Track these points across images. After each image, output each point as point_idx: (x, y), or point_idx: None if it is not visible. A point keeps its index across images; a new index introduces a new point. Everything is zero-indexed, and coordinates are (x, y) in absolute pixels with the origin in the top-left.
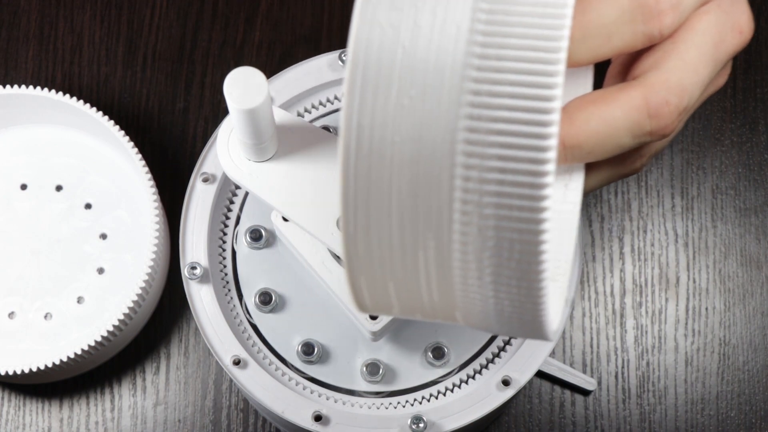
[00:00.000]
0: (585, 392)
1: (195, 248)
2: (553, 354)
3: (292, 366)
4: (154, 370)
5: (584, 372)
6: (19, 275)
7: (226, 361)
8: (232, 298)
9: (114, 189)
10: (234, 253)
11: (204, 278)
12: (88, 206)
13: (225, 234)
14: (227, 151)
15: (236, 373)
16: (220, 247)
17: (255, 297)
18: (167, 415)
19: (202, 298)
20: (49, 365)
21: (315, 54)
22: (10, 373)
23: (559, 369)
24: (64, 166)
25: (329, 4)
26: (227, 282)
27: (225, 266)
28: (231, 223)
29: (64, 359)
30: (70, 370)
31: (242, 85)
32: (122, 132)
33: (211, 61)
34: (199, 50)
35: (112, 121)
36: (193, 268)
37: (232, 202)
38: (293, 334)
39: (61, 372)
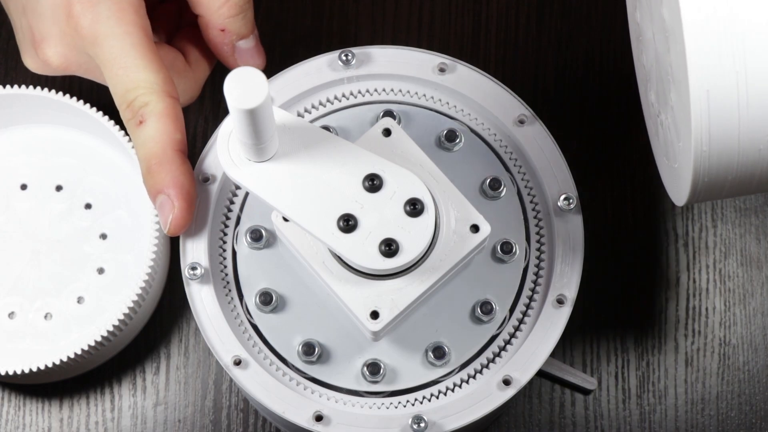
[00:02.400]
0: (585, 392)
1: (195, 248)
2: (553, 354)
3: (293, 366)
4: (154, 370)
5: (584, 372)
6: (19, 275)
7: (227, 361)
8: (232, 298)
9: (114, 189)
10: (234, 253)
11: (204, 278)
12: (88, 206)
13: (225, 234)
14: (227, 152)
15: (237, 373)
16: (221, 247)
17: (255, 297)
18: (167, 415)
19: (202, 299)
20: (49, 365)
21: (315, 54)
22: (10, 373)
23: (559, 368)
24: (64, 166)
25: (329, 4)
26: (228, 282)
27: (225, 266)
28: (231, 223)
29: (64, 359)
30: (70, 370)
31: (242, 85)
32: (122, 132)
33: None
34: None
35: (112, 121)
36: (194, 268)
37: (232, 203)
38: (294, 334)
39: (61, 372)
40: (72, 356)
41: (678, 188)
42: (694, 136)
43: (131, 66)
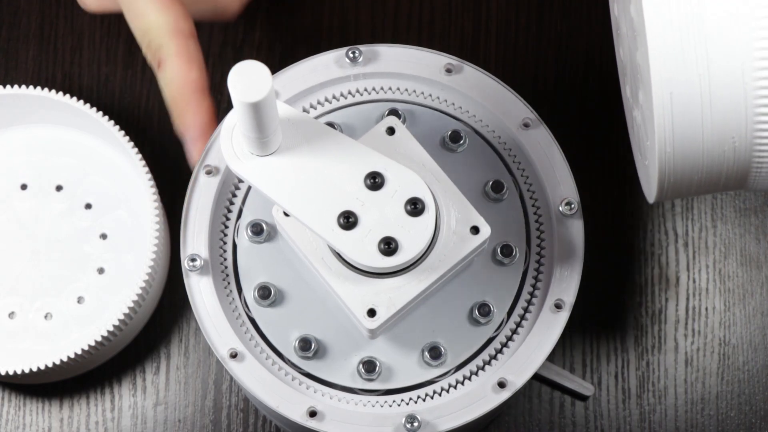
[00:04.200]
0: (582, 398)
1: (196, 240)
2: (553, 353)
3: (289, 361)
4: (154, 370)
5: (584, 372)
6: (19, 275)
7: (223, 353)
8: (231, 291)
9: (114, 189)
10: (235, 246)
11: (204, 270)
12: (88, 206)
13: (226, 227)
14: (230, 144)
15: (233, 366)
16: (221, 239)
17: (254, 291)
18: (167, 415)
19: (201, 290)
20: (49, 365)
21: (315, 54)
22: (10, 373)
23: (556, 373)
24: (64, 166)
25: (329, 4)
26: (227, 275)
27: (225, 259)
28: (233, 216)
29: (64, 359)
30: (70, 370)
31: (247, 78)
32: (122, 132)
33: (211, 61)
34: None
35: (112, 122)
36: (193, 260)
37: (234, 195)
38: (291, 329)
39: (61, 372)
40: (72, 356)
41: (648, 185)
42: (658, 137)
43: (143, 8)
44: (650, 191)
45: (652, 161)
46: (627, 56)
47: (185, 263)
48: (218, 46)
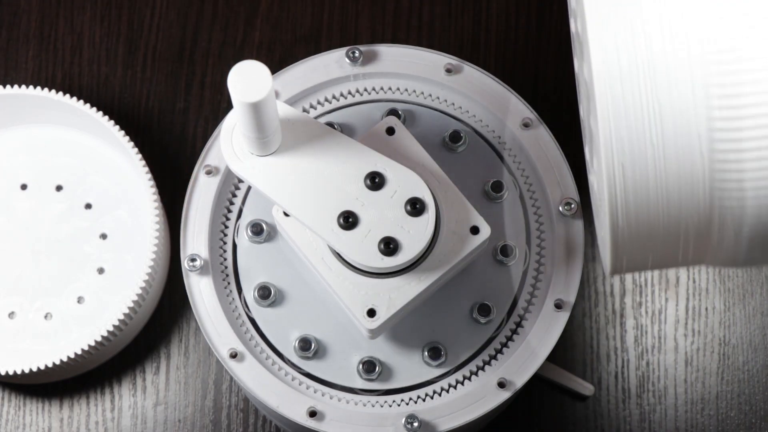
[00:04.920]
0: (582, 398)
1: (196, 240)
2: (553, 353)
3: (289, 361)
4: (154, 370)
5: (584, 372)
6: (19, 275)
7: (223, 353)
8: (231, 291)
9: (114, 189)
10: (235, 246)
11: (204, 270)
12: (88, 206)
13: (226, 227)
14: (230, 144)
15: (233, 366)
16: (221, 239)
17: (254, 291)
18: (167, 415)
19: (201, 290)
20: (49, 365)
21: (315, 54)
22: (10, 373)
23: (556, 373)
24: (64, 166)
25: (329, 4)
26: (227, 275)
27: (225, 259)
28: (233, 216)
29: (64, 359)
30: (70, 370)
31: (246, 79)
32: (122, 132)
33: (211, 61)
34: (199, 50)
35: (112, 121)
36: (193, 260)
37: (234, 195)
38: (291, 329)
39: (61, 372)
40: (72, 356)
41: (606, 256)
42: (609, 209)
43: None
44: (606, 263)
45: (606, 233)
46: (586, 118)
47: (185, 263)
48: (218, 46)
